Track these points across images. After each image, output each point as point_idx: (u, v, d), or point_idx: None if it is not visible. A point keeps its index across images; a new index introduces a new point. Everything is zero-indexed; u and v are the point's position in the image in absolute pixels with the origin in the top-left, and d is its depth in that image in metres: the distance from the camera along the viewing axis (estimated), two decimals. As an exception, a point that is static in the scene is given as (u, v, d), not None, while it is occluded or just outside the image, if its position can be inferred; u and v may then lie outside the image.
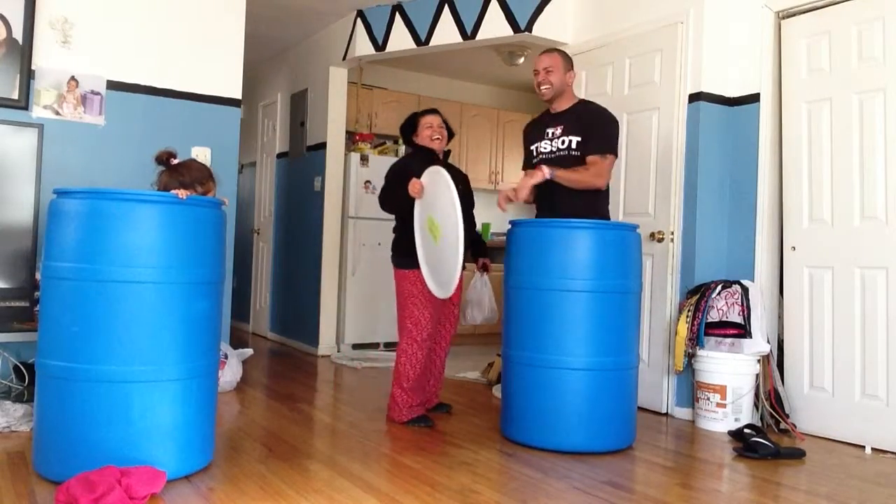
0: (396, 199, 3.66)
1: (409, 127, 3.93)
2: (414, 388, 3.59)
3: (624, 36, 4.33)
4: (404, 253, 3.65)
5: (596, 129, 3.39)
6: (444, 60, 6.79)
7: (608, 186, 3.47)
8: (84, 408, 2.41)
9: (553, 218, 3.31)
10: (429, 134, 3.83)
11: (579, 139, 3.37)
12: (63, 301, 2.47)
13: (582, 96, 3.94)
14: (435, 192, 3.44)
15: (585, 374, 3.10)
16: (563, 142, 3.42)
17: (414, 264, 3.56)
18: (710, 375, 3.66)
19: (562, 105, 3.50)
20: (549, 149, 3.47)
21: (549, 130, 3.49)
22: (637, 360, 3.32)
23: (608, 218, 3.50)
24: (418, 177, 3.59)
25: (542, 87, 3.48)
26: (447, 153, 3.94)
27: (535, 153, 3.54)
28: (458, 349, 6.30)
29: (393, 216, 3.81)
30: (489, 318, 3.99)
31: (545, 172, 3.27)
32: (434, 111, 3.95)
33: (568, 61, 3.50)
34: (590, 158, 3.35)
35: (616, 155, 3.43)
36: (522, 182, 3.33)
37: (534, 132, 3.59)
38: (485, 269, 3.96)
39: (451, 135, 3.93)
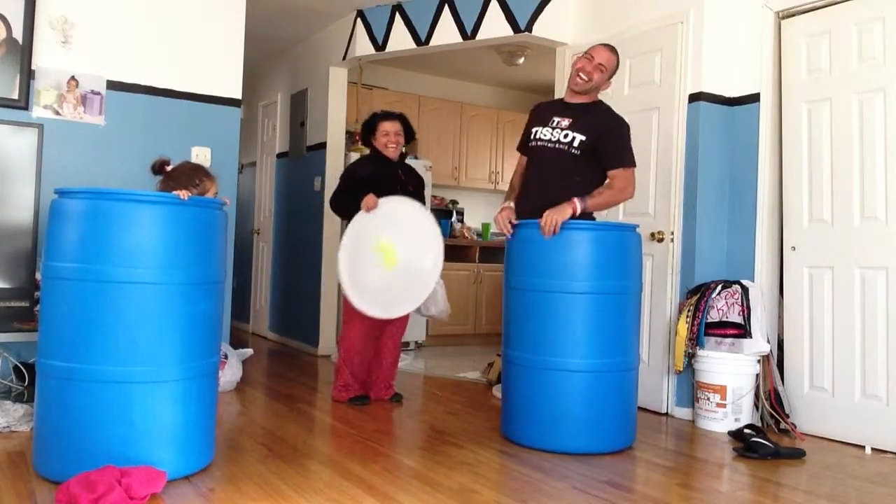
0: (347, 207, 3.80)
1: (369, 128, 3.93)
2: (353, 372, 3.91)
3: (624, 36, 4.32)
4: None
5: (613, 139, 3.30)
6: (444, 60, 6.79)
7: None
8: (84, 408, 2.41)
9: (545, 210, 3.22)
10: (384, 142, 3.86)
11: (584, 139, 3.27)
12: (63, 301, 2.47)
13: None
14: (404, 220, 3.55)
15: (585, 375, 3.10)
16: (565, 135, 3.31)
17: None
18: (710, 375, 3.65)
19: (581, 98, 3.40)
20: (548, 137, 3.36)
21: (556, 119, 3.38)
22: (637, 360, 3.31)
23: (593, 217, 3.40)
24: (371, 179, 3.74)
25: (580, 76, 3.33)
26: (403, 156, 3.97)
27: (533, 136, 3.44)
28: (459, 349, 6.31)
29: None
30: (443, 310, 3.99)
31: (577, 207, 3.14)
32: (395, 117, 3.94)
33: (616, 69, 3.43)
34: (611, 173, 3.29)
35: (635, 164, 3.36)
36: (553, 216, 3.09)
37: (540, 114, 3.48)
38: None
39: (410, 137, 3.96)
